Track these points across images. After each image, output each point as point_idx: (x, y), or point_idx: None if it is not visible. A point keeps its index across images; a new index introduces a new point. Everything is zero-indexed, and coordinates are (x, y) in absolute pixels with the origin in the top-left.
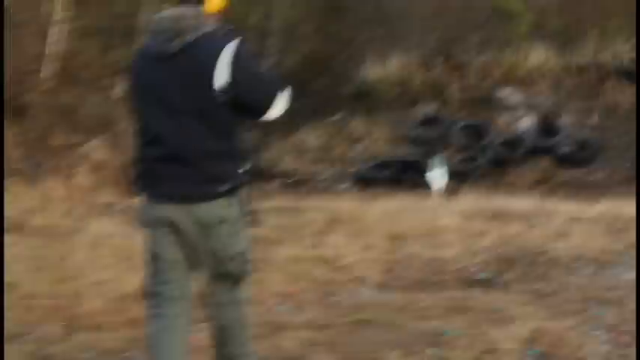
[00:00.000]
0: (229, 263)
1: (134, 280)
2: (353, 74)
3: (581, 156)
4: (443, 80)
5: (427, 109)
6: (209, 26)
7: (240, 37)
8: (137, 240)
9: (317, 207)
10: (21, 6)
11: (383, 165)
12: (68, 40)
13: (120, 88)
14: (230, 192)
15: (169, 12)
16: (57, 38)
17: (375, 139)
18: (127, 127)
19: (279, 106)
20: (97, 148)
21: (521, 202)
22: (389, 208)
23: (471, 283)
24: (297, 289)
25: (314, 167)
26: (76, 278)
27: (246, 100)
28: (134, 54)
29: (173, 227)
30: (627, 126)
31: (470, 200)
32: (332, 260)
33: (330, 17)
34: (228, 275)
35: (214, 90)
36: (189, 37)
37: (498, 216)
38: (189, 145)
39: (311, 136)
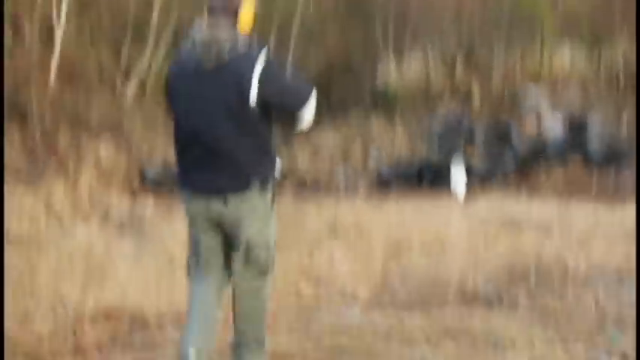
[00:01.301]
0: (259, 252)
1: (99, 297)
2: (374, 75)
3: (609, 158)
4: (465, 81)
5: (449, 110)
6: (243, 46)
7: (268, 53)
8: (116, 251)
9: (324, 211)
10: (26, 7)
11: (403, 166)
12: (75, 42)
13: (130, 90)
14: (261, 185)
15: (206, 31)
16: (62, 39)
17: (395, 140)
18: (134, 128)
19: (309, 114)
20: (103, 150)
21: (542, 208)
22: (398, 214)
23: (473, 300)
24: (273, 308)
25: (332, 167)
26: (35, 295)
27: (278, 112)
28: (171, 65)
29: (211, 216)
30: None
31: (487, 205)
32: (322, 273)
33: (354, 17)
34: (255, 264)
35: (249, 105)
36: (226, 57)
37: (514, 223)
38: (224, 145)
39: (330, 137)
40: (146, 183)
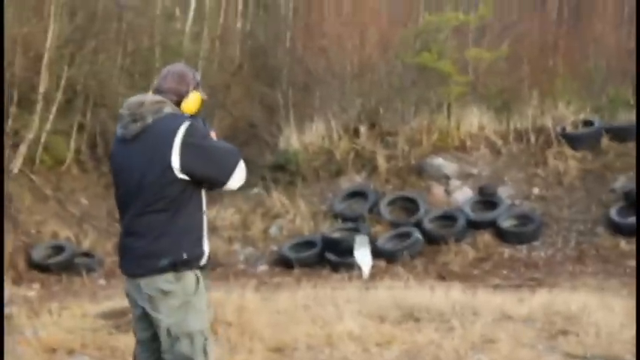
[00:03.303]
0: (180, 344)
1: None
2: (276, 142)
3: (522, 231)
4: (370, 150)
5: (353, 180)
6: (168, 110)
7: (194, 123)
8: None
9: (208, 301)
10: None
11: (305, 244)
12: None
13: (18, 162)
14: (176, 268)
15: (134, 98)
16: None
17: (296, 214)
18: (23, 206)
19: (237, 176)
20: None
21: (447, 294)
22: (290, 305)
23: None
24: None
25: (230, 247)
26: None
27: (201, 175)
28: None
29: (133, 303)
30: (572, 197)
31: (387, 294)
32: None
33: (258, 80)
34: (180, 359)
35: (171, 168)
36: (149, 120)
37: (413, 315)
38: (141, 221)
39: (227, 212)
40: (32, 266)
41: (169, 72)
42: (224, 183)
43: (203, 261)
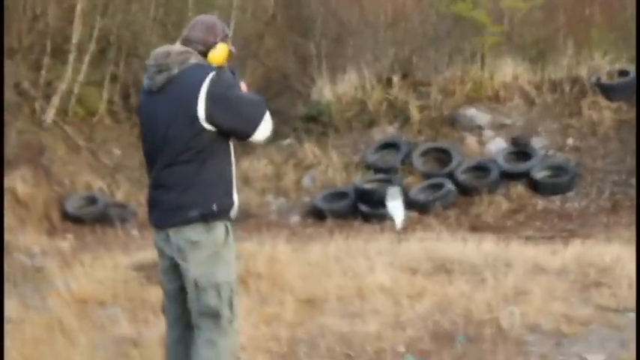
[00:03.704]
0: (207, 296)
1: None
2: (309, 93)
3: (556, 182)
4: (403, 101)
5: (386, 131)
6: (194, 60)
7: (221, 72)
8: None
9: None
10: None
11: (337, 195)
12: None
13: (51, 113)
14: (205, 219)
15: (160, 48)
16: None
17: (328, 165)
18: (56, 157)
19: (263, 129)
20: (20, 181)
21: (479, 246)
22: (319, 257)
23: None
24: None
25: (262, 198)
26: None
27: (227, 127)
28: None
29: (163, 255)
30: (607, 147)
31: (419, 245)
32: None
33: (291, 31)
34: (206, 310)
35: (197, 118)
36: (175, 71)
37: (445, 267)
38: (170, 172)
39: (260, 163)
40: (66, 217)
41: (198, 22)
42: (250, 135)
43: (233, 212)
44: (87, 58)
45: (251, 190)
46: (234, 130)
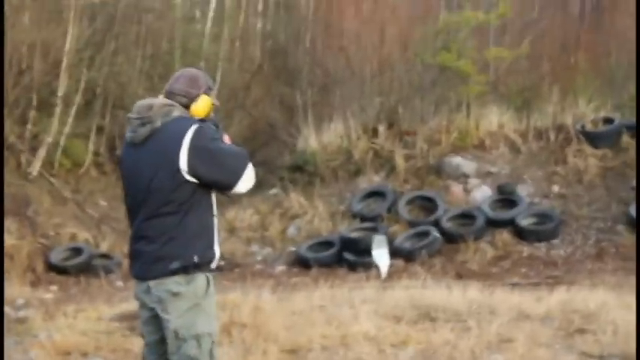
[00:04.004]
0: (187, 346)
1: None
2: (295, 143)
3: (541, 230)
4: (388, 150)
5: (371, 180)
6: (177, 113)
7: (204, 126)
8: None
9: (223, 303)
10: None
11: (323, 244)
12: None
13: (37, 165)
14: (186, 271)
15: (143, 101)
16: None
17: (314, 214)
18: (42, 208)
19: (245, 180)
20: (5, 233)
21: (464, 294)
22: (303, 306)
23: None
24: None
25: (248, 247)
26: None
27: (209, 179)
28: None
29: (144, 306)
30: (592, 195)
31: (404, 293)
32: None
33: (277, 80)
34: None
35: (179, 171)
36: (157, 124)
37: (429, 315)
38: (152, 224)
39: (246, 213)
40: (50, 268)
41: (181, 75)
42: (232, 187)
43: (214, 264)
44: (73, 111)
45: (237, 239)
46: (216, 183)
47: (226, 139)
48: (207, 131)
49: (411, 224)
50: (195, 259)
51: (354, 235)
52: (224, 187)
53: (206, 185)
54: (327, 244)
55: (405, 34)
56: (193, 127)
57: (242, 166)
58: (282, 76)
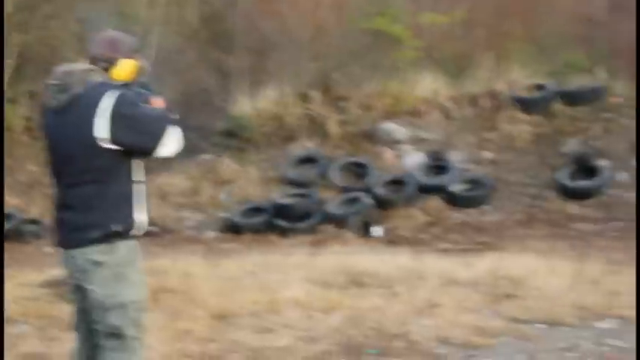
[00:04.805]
0: (111, 316)
1: None
2: (229, 109)
3: (473, 195)
4: (322, 115)
5: (304, 146)
6: (97, 78)
7: (122, 86)
8: None
9: (152, 269)
10: None
11: (255, 210)
12: None
13: None
14: (108, 239)
15: (62, 66)
16: None
17: (247, 180)
18: None
19: (168, 144)
20: None
21: (394, 259)
22: (234, 272)
23: None
24: None
25: (179, 213)
26: None
27: (128, 144)
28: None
29: (69, 273)
30: (523, 161)
31: (335, 259)
32: None
33: (212, 45)
34: (111, 330)
35: (98, 138)
36: (77, 90)
37: (359, 281)
38: (74, 192)
39: (177, 179)
40: None
41: (102, 39)
42: (152, 151)
43: (137, 231)
44: (5, 75)
45: (168, 205)
46: (135, 148)
47: (158, 102)
48: (126, 96)
49: (344, 190)
50: (116, 227)
51: (286, 201)
52: (144, 153)
53: (127, 152)
54: (259, 210)
55: (341, 0)
56: (111, 93)
57: (162, 129)
58: (218, 41)
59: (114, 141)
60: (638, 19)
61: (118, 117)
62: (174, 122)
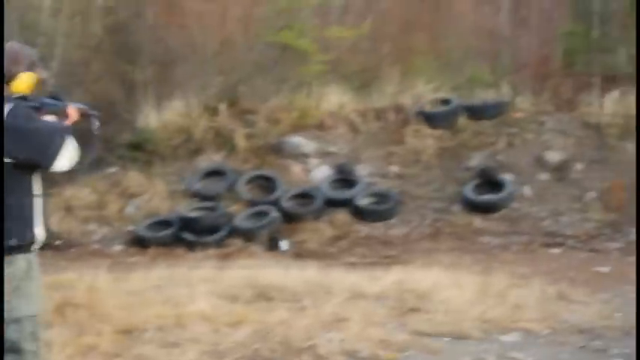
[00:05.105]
0: (9, 329)
1: None
2: (135, 121)
3: (379, 209)
4: (228, 127)
5: (211, 159)
6: None
7: (19, 99)
8: None
9: (58, 283)
10: None
11: (161, 223)
12: None
13: None
14: (6, 252)
15: None
16: None
17: (154, 193)
18: None
19: (64, 158)
20: None
21: (302, 273)
22: (140, 286)
23: None
24: None
25: (85, 227)
26: None
27: (23, 159)
28: None
29: None
30: (429, 175)
31: (242, 273)
32: None
33: (118, 56)
34: (9, 345)
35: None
36: None
37: (266, 295)
38: None
39: (83, 192)
40: None
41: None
42: (48, 165)
43: (34, 246)
44: None
45: (73, 218)
46: (31, 162)
47: (73, 110)
48: (21, 110)
49: (251, 204)
50: (13, 241)
51: (193, 214)
52: (40, 166)
53: (23, 166)
54: (165, 224)
55: (248, 13)
56: (8, 107)
57: (58, 143)
58: (123, 52)
59: (8, 155)
60: (637, 28)
61: (9, 129)
62: (70, 134)
